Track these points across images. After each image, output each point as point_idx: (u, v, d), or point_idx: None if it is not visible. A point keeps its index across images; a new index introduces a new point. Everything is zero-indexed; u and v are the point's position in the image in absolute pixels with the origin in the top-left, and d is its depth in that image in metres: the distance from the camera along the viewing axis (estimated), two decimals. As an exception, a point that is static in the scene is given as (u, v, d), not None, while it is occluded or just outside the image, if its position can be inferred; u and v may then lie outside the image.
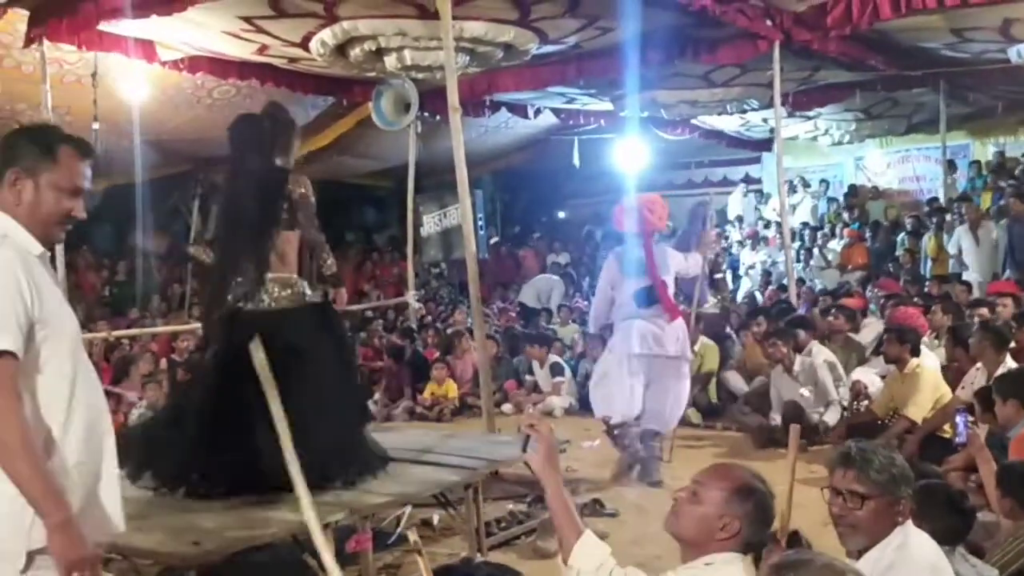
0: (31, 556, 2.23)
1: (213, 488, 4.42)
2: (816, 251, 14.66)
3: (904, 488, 2.69)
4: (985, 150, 15.72)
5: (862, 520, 2.64)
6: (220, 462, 4.39)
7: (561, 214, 21.08)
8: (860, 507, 2.64)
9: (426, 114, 10.88)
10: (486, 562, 2.15)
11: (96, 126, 9.36)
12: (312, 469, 4.11)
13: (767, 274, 14.62)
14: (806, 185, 16.88)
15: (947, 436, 6.29)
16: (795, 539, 3.02)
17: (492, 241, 18.29)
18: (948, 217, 12.56)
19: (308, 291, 4.72)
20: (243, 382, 4.28)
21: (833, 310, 9.28)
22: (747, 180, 18.56)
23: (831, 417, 7.58)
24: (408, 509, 5.39)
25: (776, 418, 7.80)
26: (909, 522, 2.71)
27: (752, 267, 15.48)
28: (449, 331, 11.32)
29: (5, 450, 2.16)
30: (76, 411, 2.43)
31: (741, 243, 16.42)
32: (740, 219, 17.51)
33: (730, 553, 2.42)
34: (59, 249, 8.46)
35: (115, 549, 4.37)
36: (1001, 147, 15.52)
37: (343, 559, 4.29)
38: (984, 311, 7.76)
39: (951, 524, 3.40)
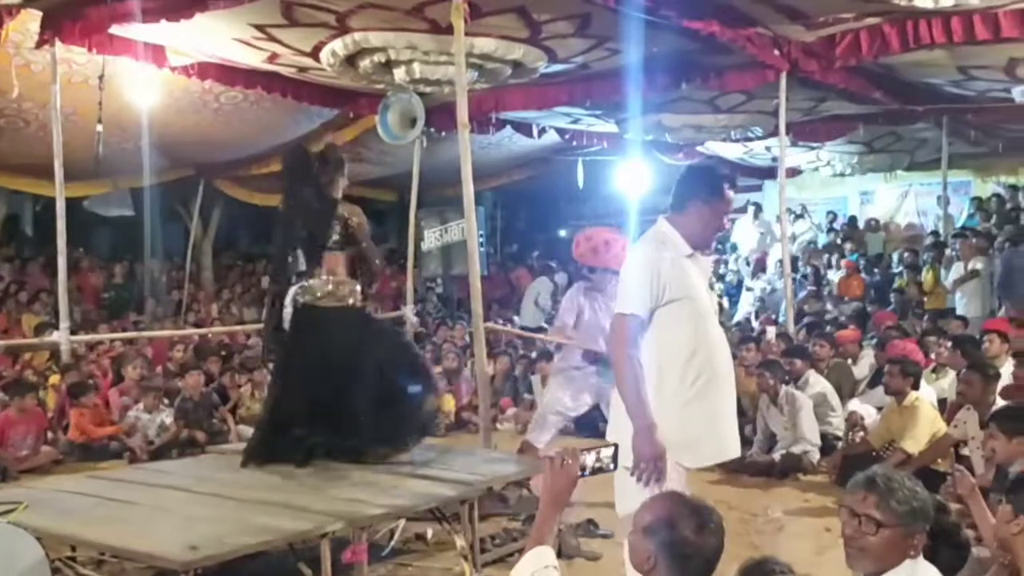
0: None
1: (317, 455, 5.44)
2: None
3: (921, 523, 2.65)
4: (986, 187, 15.79)
5: (873, 546, 2.60)
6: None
7: (561, 233, 21.05)
8: (874, 533, 2.59)
9: (431, 129, 10.88)
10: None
11: (99, 128, 9.36)
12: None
13: (762, 301, 14.64)
14: (803, 215, 16.92)
15: (941, 469, 6.31)
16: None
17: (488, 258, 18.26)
18: (947, 252, 12.61)
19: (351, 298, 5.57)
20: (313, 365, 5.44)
21: (815, 338, 9.31)
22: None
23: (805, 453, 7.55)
24: (402, 522, 5.39)
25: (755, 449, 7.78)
26: (920, 558, 2.66)
27: (750, 289, 15.46)
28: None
29: (622, 383, 3.39)
30: (693, 360, 3.46)
31: (748, 265, 16.38)
32: (734, 246, 17.51)
33: None
34: (60, 247, 8.41)
35: (111, 551, 4.39)
36: (1003, 185, 15.60)
37: (337, 570, 4.29)
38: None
39: (946, 558, 3.40)
